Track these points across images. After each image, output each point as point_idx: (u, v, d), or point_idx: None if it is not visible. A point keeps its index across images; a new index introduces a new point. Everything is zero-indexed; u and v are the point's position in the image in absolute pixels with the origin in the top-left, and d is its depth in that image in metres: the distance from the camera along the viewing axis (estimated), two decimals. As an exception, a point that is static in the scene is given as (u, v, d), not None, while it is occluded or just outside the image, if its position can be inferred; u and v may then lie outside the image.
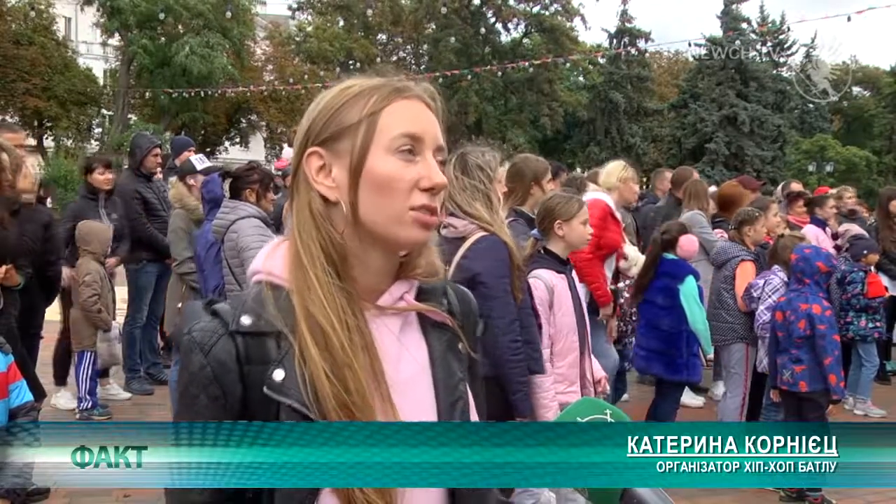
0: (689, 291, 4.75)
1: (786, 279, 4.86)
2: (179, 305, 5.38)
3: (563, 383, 3.44)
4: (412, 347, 1.16)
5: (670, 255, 4.89)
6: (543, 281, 3.43)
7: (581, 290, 3.97)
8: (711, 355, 5.11)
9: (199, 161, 5.61)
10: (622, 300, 5.45)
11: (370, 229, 1.11)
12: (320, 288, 1.07)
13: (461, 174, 3.21)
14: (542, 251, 3.56)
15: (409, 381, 1.13)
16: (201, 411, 1.06)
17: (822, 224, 7.01)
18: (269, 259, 1.14)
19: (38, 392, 3.76)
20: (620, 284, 5.46)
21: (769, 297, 4.90)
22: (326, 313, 1.06)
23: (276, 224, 4.52)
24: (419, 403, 1.14)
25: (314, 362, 1.04)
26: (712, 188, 7.32)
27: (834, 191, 8.84)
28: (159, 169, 6.74)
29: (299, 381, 1.04)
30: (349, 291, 1.09)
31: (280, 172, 7.49)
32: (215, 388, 1.06)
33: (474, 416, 1.23)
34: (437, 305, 1.20)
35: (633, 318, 5.40)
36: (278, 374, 1.05)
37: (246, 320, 1.08)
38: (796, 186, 8.26)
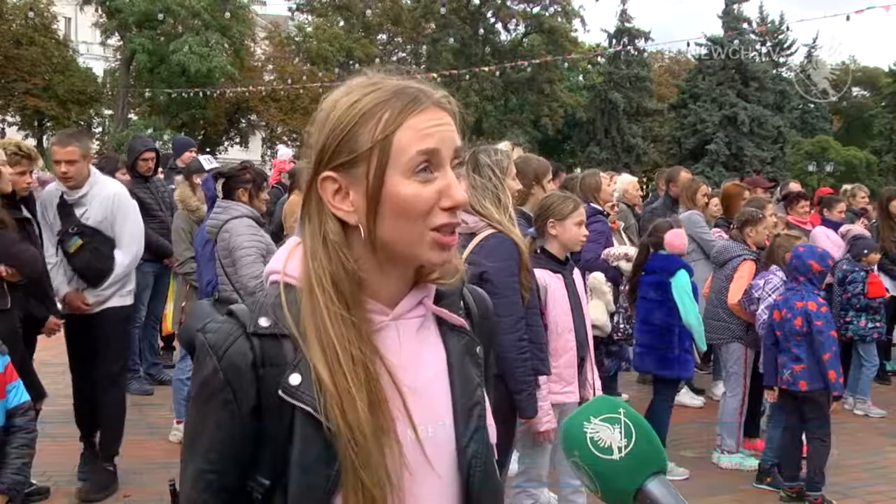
0: (680, 285, 4.70)
1: (785, 278, 4.85)
2: (184, 305, 5.40)
3: (558, 383, 3.43)
4: (430, 351, 1.15)
5: (662, 251, 4.86)
6: (536, 280, 3.42)
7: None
8: (704, 349, 5.07)
9: (207, 161, 5.64)
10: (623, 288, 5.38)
11: (389, 250, 1.09)
12: (328, 318, 1.05)
13: (472, 172, 3.23)
14: (538, 251, 3.55)
15: (425, 385, 1.12)
16: (211, 414, 1.06)
17: (834, 225, 6.99)
18: (287, 261, 1.12)
19: (37, 392, 3.75)
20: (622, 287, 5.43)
21: (769, 296, 4.89)
22: (332, 344, 1.04)
23: (272, 224, 4.51)
24: (435, 408, 1.13)
25: (321, 381, 1.04)
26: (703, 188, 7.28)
27: (848, 187, 8.82)
28: (160, 170, 6.72)
29: (314, 388, 1.04)
30: (357, 323, 1.07)
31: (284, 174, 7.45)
32: (227, 392, 1.05)
33: (491, 423, 1.21)
34: (454, 309, 1.19)
35: (633, 322, 5.36)
36: (294, 379, 1.04)
37: (264, 322, 1.07)
38: (794, 187, 8.27)
